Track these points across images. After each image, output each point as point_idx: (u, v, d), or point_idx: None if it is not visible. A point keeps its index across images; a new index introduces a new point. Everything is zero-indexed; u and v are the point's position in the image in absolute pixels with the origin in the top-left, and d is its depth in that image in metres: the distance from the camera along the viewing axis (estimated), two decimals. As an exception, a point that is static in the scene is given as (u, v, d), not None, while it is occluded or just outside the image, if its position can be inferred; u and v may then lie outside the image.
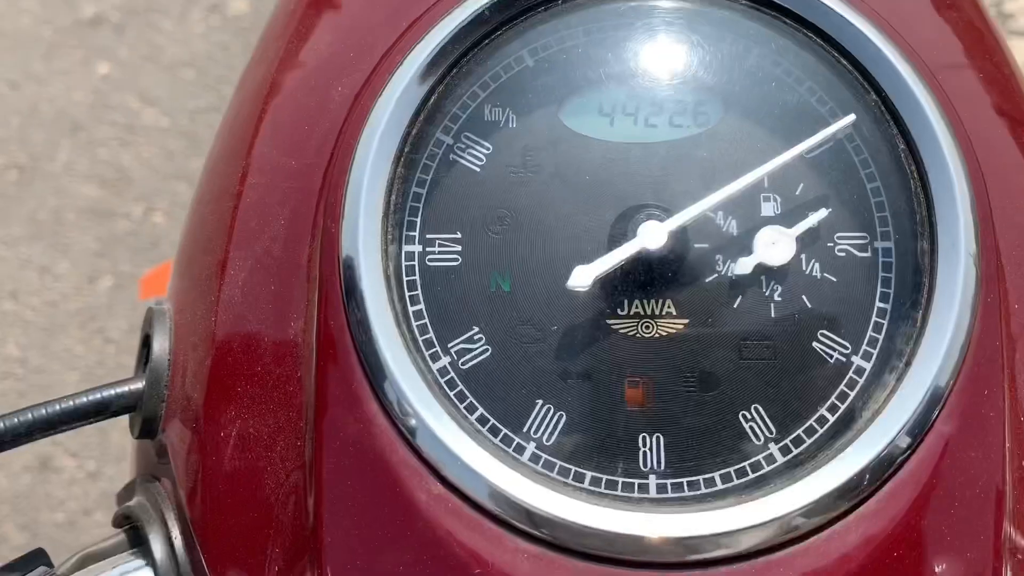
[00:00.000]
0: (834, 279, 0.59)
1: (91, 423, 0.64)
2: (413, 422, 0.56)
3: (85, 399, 0.63)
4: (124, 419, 0.67)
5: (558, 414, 0.58)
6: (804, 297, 0.59)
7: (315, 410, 0.57)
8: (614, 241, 0.59)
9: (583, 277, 0.58)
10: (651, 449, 0.57)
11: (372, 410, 0.57)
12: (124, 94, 2.15)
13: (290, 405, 0.59)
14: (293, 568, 0.57)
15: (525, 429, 0.57)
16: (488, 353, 0.59)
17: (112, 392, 0.63)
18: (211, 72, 2.18)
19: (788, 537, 0.55)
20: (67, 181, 2.05)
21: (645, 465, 0.57)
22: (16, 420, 0.61)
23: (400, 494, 0.55)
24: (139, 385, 0.64)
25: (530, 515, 0.54)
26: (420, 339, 0.59)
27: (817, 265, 0.60)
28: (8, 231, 2.00)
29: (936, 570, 0.55)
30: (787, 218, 0.60)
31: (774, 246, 0.59)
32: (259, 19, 2.21)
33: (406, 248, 0.60)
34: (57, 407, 0.62)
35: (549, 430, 0.57)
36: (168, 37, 2.22)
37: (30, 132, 2.11)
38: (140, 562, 0.61)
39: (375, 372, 0.57)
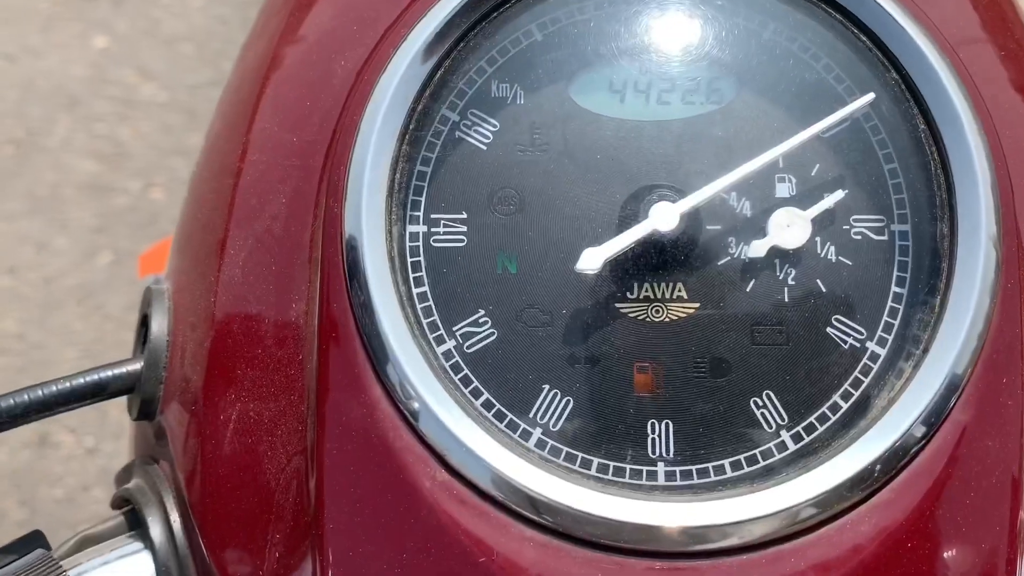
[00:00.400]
0: (849, 263, 0.58)
1: (89, 404, 0.63)
2: (416, 406, 0.55)
3: (82, 380, 0.62)
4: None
5: (565, 399, 0.56)
6: (819, 281, 0.58)
7: (317, 394, 0.56)
8: (624, 222, 0.58)
9: (592, 260, 0.56)
10: (660, 436, 0.56)
11: (375, 394, 0.56)
12: (122, 68, 2.13)
13: (291, 389, 0.58)
14: (294, 553, 0.56)
15: (531, 414, 0.56)
16: (494, 336, 0.57)
17: (109, 373, 0.63)
18: (210, 46, 2.16)
19: (799, 527, 0.54)
20: (65, 156, 2.04)
21: (654, 452, 0.56)
22: (12, 402, 0.60)
23: (403, 480, 0.54)
24: (137, 366, 0.63)
25: (535, 502, 0.54)
26: (424, 322, 0.57)
27: (832, 248, 0.58)
28: (5, 206, 1.99)
29: (951, 561, 0.54)
30: (802, 200, 0.59)
31: (789, 228, 0.58)
32: (259, -8, 2.19)
33: (410, 228, 0.59)
34: (54, 388, 0.61)
35: (556, 415, 0.56)
36: (166, 11, 2.19)
37: (27, 106, 2.09)
38: (138, 545, 0.60)
39: (378, 355, 0.56)
